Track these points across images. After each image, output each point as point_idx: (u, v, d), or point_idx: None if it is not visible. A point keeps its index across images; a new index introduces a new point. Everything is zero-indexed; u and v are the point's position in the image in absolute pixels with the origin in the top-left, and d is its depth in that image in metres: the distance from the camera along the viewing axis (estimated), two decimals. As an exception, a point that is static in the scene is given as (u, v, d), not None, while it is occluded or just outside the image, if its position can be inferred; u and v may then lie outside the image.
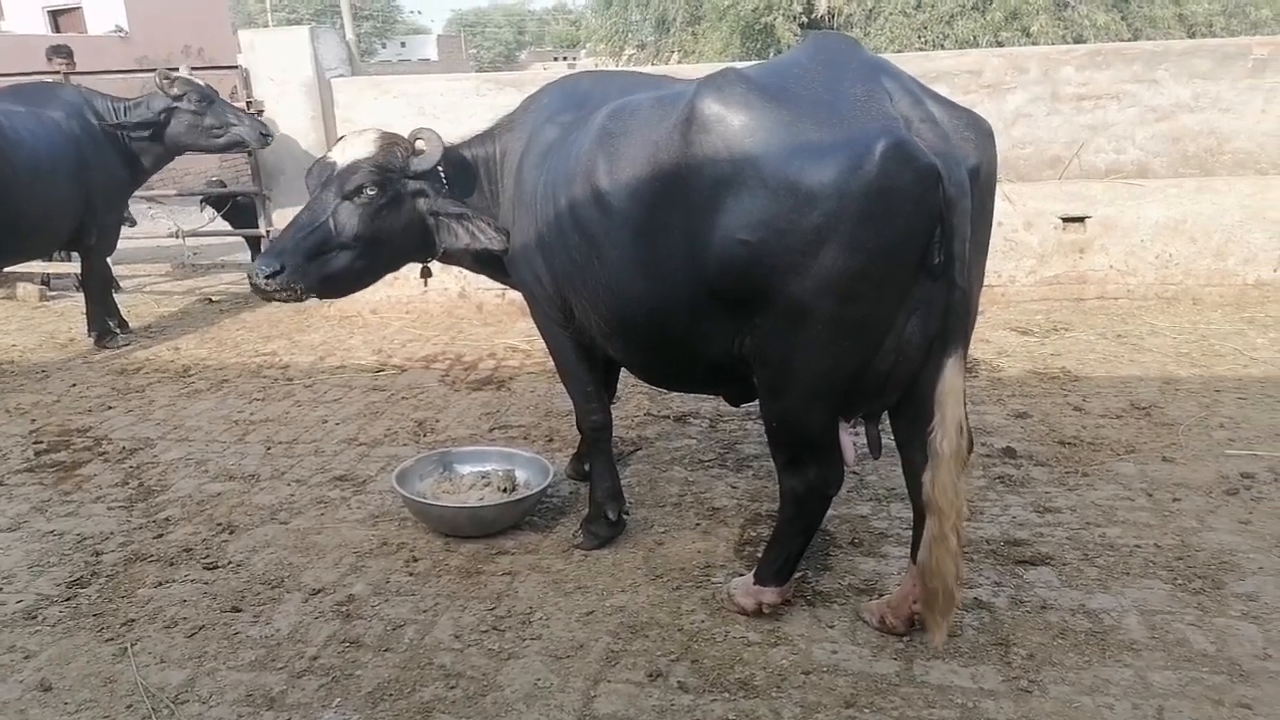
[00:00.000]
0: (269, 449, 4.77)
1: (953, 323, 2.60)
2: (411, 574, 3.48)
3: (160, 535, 3.85)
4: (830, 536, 3.60)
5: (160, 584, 3.46)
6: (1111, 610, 3.08)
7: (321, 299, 3.56)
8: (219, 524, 3.94)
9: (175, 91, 6.69)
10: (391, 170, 3.39)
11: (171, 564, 3.61)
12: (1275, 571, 3.26)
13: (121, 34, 17.28)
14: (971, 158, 2.55)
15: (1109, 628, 2.99)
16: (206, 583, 3.47)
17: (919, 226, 2.49)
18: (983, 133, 2.65)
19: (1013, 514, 3.75)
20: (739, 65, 3.00)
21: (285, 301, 3.46)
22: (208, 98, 6.84)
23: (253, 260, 8.48)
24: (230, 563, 3.62)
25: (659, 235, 2.82)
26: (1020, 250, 6.63)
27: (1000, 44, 11.22)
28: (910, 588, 2.95)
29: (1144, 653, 2.86)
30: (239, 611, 3.27)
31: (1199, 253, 6.47)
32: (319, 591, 3.39)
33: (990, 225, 2.77)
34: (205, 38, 17.86)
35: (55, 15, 21.28)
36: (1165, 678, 2.74)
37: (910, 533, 3.09)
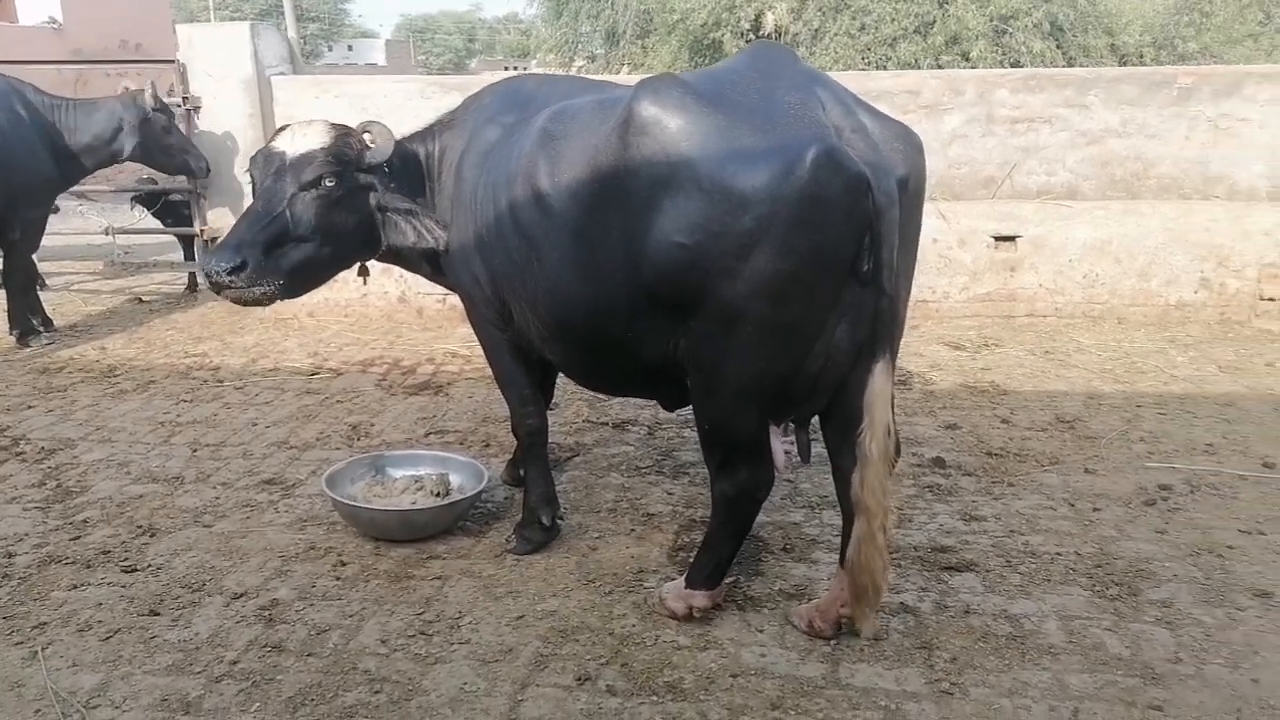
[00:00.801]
0: (195, 451, 4.65)
1: (881, 329, 2.65)
2: (338, 578, 3.42)
3: (77, 537, 3.72)
4: (762, 542, 3.63)
5: (75, 587, 3.35)
6: (1032, 615, 3.15)
7: (281, 299, 3.36)
8: (139, 526, 3.82)
9: (154, 106, 6.80)
10: (346, 161, 3.31)
11: (88, 566, 3.49)
12: (1188, 579, 3.37)
13: (55, 25, 16.77)
14: (900, 168, 2.61)
15: (1029, 632, 3.05)
16: (124, 586, 3.36)
17: (848, 233, 2.54)
18: (912, 145, 2.71)
19: (940, 522, 3.82)
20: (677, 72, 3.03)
21: (255, 304, 3.30)
22: (173, 120, 7.12)
23: (186, 259, 8.39)
24: (150, 566, 3.51)
25: (598, 237, 2.83)
26: (954, 267, 6.78)
27: (940, 67, 11.49)
28: (839, 592, 2.99)
29: (1062, 656, 2.93)
30: (157, 615, 3.17)
31: (1124, 273, 6.69)
32: (241, 595, 3.31)
33: (918, 235, 2.84)
34: (143, 33, 17.39)
35: (-15, 3, 20.57)
36: (1081, 680, 2.81)
37: (839, 538, 3.13)
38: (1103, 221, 6.66)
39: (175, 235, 8.45)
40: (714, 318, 2.65)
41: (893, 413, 2.71)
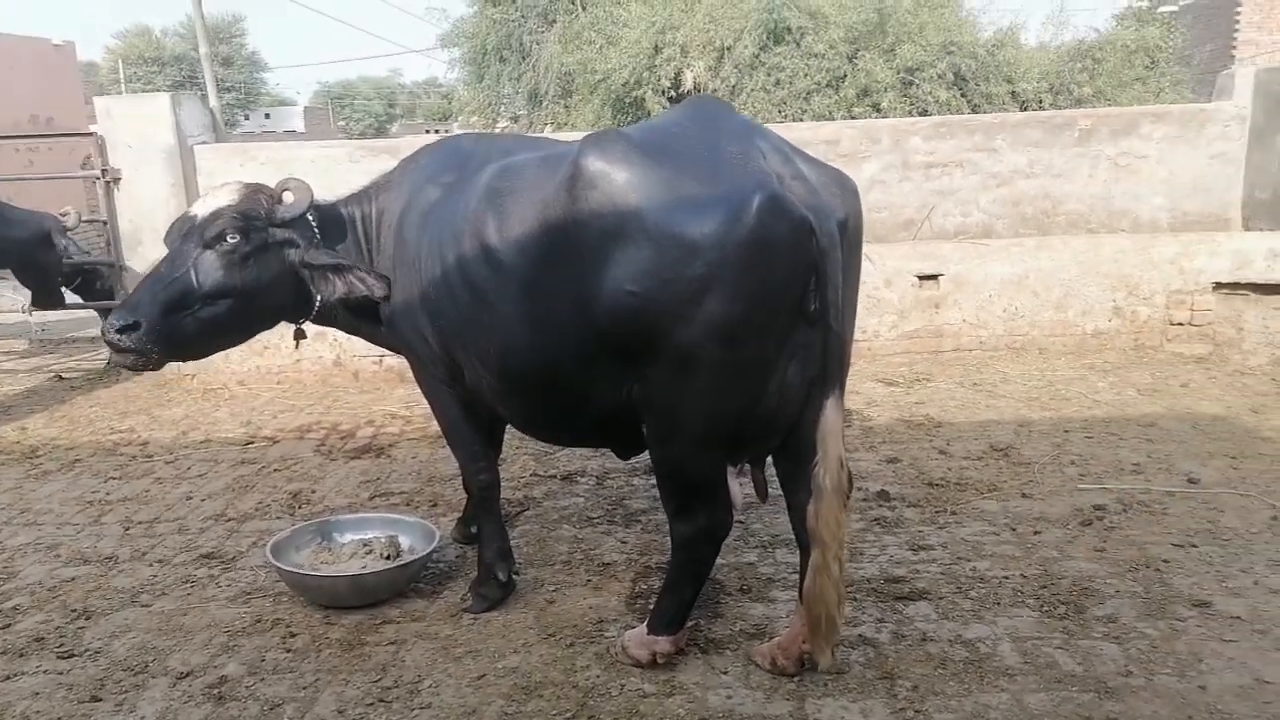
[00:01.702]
0: (128, 529, 4.49)
1: (830, 365, 2.73)
2: (289, 650, 3.32)
3: (7, 625, 3.55)
4: (719, 584, 3.64)
5: (8, 677, 3.18)
6: (986, 639, 3.22)
7: (182, 360, 3.30)
8: (73, 610, 3.66)
9: (70, 224, 7.35)
10: (255, 217, 3.29)
11: (21, 655, 3.33)
12: (1130, 594, 3.49)
13: (-41, 102, 16.34)
14: (839, 211, 2.72)
15: (985, 655, 3.12)
16: (61, 673, 3.21)
17: (795, 274, 2.63)
18: (848, 189, 2.83)
19: (890, 553, 3.89)
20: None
21: (140, 367, 3.27)
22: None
23: (107, 334, 8.13)
24: (87, 650, 3.36)
25: (549, 289, 2.87)
26: (882, 306, 6.99)
27: (854, 118, 11.93)
28: (800, 628, 3.02)
29: (1018, 677, 2.99)
30: (99, 701, 3.03)
31: (1041, 306, 6.98)
32: (187, 675, 3.18)
33: (859, 274, 2.94)
34: (54, 106, 17.08)
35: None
36: (1039, 699, 2.87)
37: (796, 576, 3.16)
38: (1018, 258, 6.96)
39: (95, 310, 8.20)
40: (668, 362, 2.70)
41: (844, 446, 2.78)
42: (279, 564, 3.59)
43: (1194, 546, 3.87)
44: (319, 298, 3.40)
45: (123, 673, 3.21)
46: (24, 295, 8.09)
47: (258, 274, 3.30)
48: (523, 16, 18.47)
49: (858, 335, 6.88)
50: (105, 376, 7.73)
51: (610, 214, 2.68)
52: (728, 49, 13.76)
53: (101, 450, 5.75)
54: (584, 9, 16.97)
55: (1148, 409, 5.68)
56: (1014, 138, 7.40)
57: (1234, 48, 22.70)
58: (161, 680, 3.16)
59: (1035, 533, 4.04)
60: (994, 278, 6.95)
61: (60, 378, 7.79)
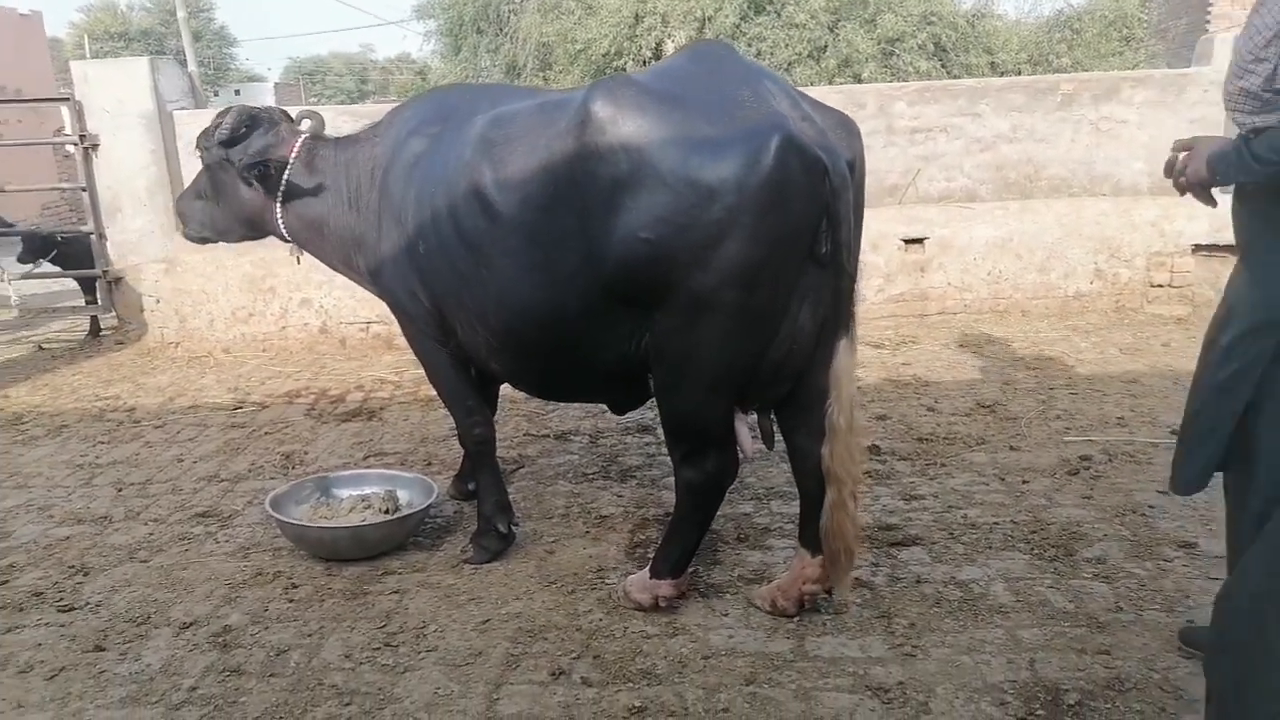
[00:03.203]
0: (120, 490, 4.47)
1: (842, 307, 2.77)
2: (292, 600, 3.33)
3: (4, 582, 3.54)
4: (716, 534, 3.69)
5: (9, 630, 3.18)
6: (979, 580, 3.29)
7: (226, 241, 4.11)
8: (71, 566, 3.65)
9: None
10: (207, 135, 3.78)
11: (20, 609, 3.32)
12: (1118, 538, 3.57)
13: (-76, 74, 15.97)
14: (847, 152, 2.74)
15: (979, 595, 3.19)
16: (63, 625, 3.21)
17: (810, 216, 2.65)
18: (851, 131, 2.85)
19: (883, 503, 3.95)
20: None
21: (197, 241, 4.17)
22: None
23: (88, 303, 8.05)
24: (88, 604, 3.36)
25: (554, 240, 2.86)
26: (869, 270, 7.03)
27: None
28: (799, 570, 3.07)
29: (1012, 614, 3.07)
30: (103, 651, 3.04)
31: (1025, 268, 7.05)
32: (191, 625, 3.19)
33: (863, 217, 2.96)
34: (22, 78, 16.74)
35: None
36: (1033, 634, 2.95)
37: (792, 526, 3.21)
38: (1002, 221, 7.02)
39: (75, 279, 8.11)
40: (683, 309, 2.70)
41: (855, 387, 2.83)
42: (279, 516, 3.60)
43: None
44: (278, 209, 3.69)
45: (125, 624, 3.21)
46: (4, 265, 8.00)
47: (214, 183, 3.86)
48: (500, -13, 18.26)
49: (844, 299, 6.95)
50: (86, 347, 7.66)
51: (623, 160, 2.66)
52: (709, 19, 13.72)
53: (88, 416, 5.71)
54: (563, -22, 16.82)
55: (1130, 367, 5.78)
56: (997, 103, 7.45)
57: (1208, 22, 22.86)
58: (165, 630, 3.17)
59: (1024, 482, 4.12)
60: (978, 241, 7.01)
61: (41, 348, 7.71)
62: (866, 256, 6.94)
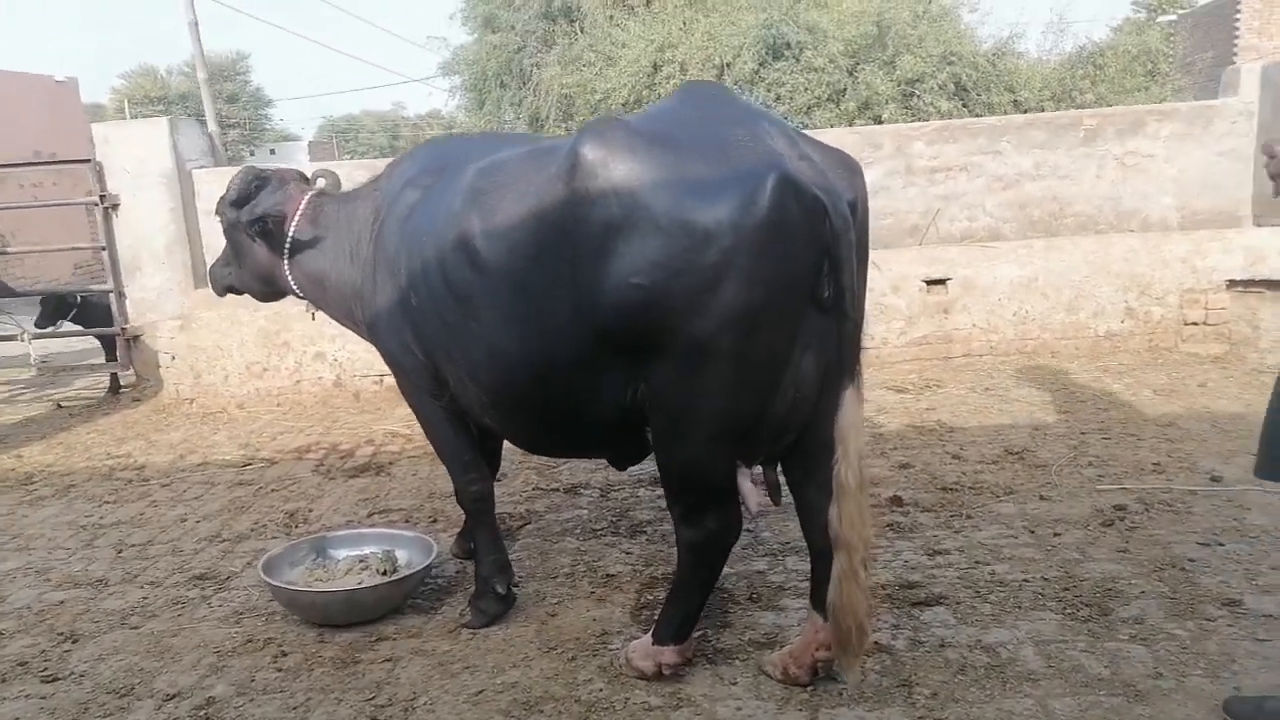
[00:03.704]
0: (120, 552, 4.38)
1: (847, 355, 2.61)
2: (280, 670, 3.19)
3: (-10, 651, 3.44)
4: (727, 593, 3.50)
5: (-13, 704, 3.06)
6: (1008, 643, 3.07)
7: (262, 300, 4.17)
8: (60, 634, 3.55)
9: None
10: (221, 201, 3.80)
11: (3, 680, 3.21)
12: (1157, 595, 3.34)
13: (-36, 139, 16.45)
14: (848, 193, 2.61)
15: (1007, 660, 2.97)
16: (44, 697, 3.09)
17: (810, 258, 2.51)
18: (853, 170, 2.71)
19: (904, 558, 3.74)
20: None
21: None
22: None
23: (108, 360, 8.07)
24: (72, 674, 3.24)
25: (543, 289, 2.74)
26: (890, 313, 6.87)
27: (856, 130, 11.87)
28: (812, 635, 2.88)
29: (1042, 682, 2.84)
30: (80, 726, 2.91)
31: (1052, 308, 6.84)
32: (174, 696, 3.06)
33: (868, 260, 2.81)
34: (59, 143, 17.18)
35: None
36: (1065, 704, 2.72)
37: (808, 584, 3.03)
38: (1027, 260, 6.83)
39: (96, 337, 8.15)
40: (680, 357, 2.56)
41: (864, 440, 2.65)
42: (271, 580, 3.47)
43: (1220, 545, 3.71)
44: (285, 265, 3.70)
45: (107, 695, 3.09)
46: (25, 325, 8.06)
47: (232, 245, 3.92)
48: (522, 41, 18.54)
49: (865, 343, 6.76)
50: (105, 404, 7.66)
51: (614, 204, 2.55)
52: (727, 65, 13.76)
53: (97, 475, 5.66)
54: (583, 31, 17.02)
55: (1165, 409, 5.53)
56: (1019, 139, 7.31)
57: (1234, 54, 22.62)
58: (147, 702, 3.04)
59: (1055, 534, 3.90)
60: (1003, 281, 6.82)
61: (60, 406, 7.73)
62: (887, 299, 6.80)
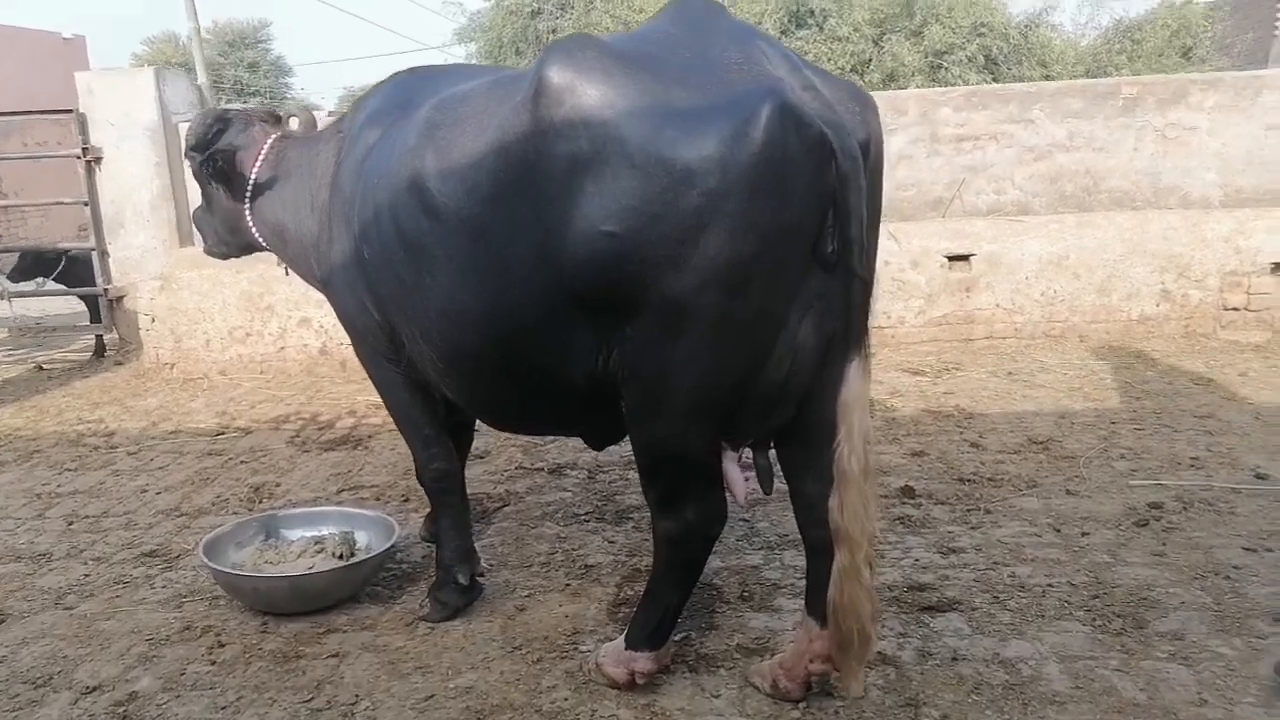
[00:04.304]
0: (71, 524, 4.08)
1: (853, 320, 2.22)
2: (214, 663, 2.87)
3: (-95, 631, 3.14)
4: (716, 590, 3.16)
5: (-116, 692, 2.76)
6: (1029, 658, 2.71)
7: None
8: (-14, 613, 3.25)
9: None
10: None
11: (-91, 665, 2.91)
12: (1199, 606, 2.97)
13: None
14: (859, 131, 2.21)
15: (1028, 679, 2.61)
16: (-51, 686, 2.78)
17: (811, 205, 2.12)
18: (866, 104, 2.31)
19: (915, 556, 3.38)
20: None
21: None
22: None
23: (92, 321, 7.80)
24: (-12, 660, 2.93)
25: (504, 236, 2.37)
26: (908, 290, 6.46)
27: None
28: (806, 644, 2.52)
29: (1069, 705, 2.48)
30: (-17, 721, 2.60)
31: (1083, 289, 6.42)
32: (94, 690, 2.75)
33: (880, 214, 2.42)
34: (66, 100, 16.92)
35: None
36: (1096, 734, 2.36)
37: (804, 581, 2.67)
38: (1058, 236, 6.40)
39: (80, 297, 7.86)
40: (656, 318, 2.20)
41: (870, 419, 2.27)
42: (211, 563, 3.15)
43: (1269, 550, 3.33)
44: (248, 213, 3.41)
45: (22, 685, 2.79)
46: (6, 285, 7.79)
47: (202, 193, 3.64)
48: (538, 7, 18.09)
49: (881, 321, 6.38)
50: (86, 368, 7.38)
51: (582, 136, 2.17)
52: (747, 33, 13.29)
53: (64, 441, 5.37)
54: (600, -4, 16.58)
55: (1203, 399, 5.12)
56: (1052, 108, 6.85)
57: (1275, 35, 21.91)
58: (64, 695, 2.73)
59: (1083, 534, 3.52)
60: (1031, 258, 6.40)
61: (41, 368, 7.45)
62: (906, 274, 6.40)
